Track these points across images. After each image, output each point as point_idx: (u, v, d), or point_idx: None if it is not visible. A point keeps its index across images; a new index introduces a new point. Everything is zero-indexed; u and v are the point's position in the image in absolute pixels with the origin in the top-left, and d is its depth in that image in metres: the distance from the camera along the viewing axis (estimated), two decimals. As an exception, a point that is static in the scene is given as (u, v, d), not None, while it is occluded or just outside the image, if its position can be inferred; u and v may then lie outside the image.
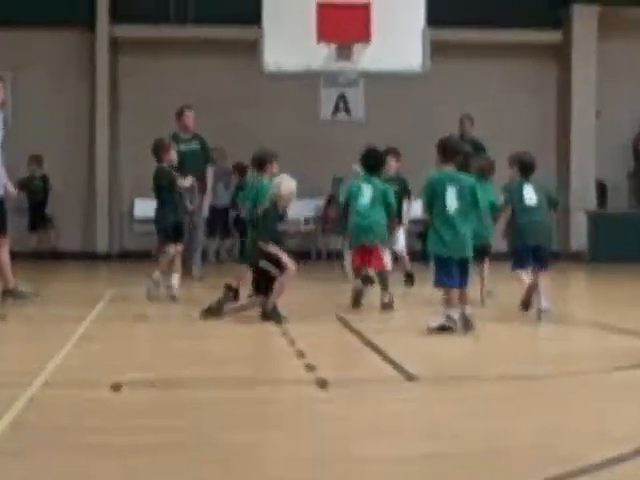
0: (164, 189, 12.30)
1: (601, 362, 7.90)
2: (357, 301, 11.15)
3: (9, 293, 11.66)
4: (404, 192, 13.44)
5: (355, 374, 7.42)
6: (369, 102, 19.19)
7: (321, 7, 15.49)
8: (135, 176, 17.73)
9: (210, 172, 15.25)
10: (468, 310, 9.20)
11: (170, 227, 12.24)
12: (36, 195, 17.34)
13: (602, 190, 19.44)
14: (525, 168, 10.54)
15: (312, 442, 5.30)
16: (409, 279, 13.84)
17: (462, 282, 9.22)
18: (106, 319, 10.45)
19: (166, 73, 19.00)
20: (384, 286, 11.19)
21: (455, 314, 9.09)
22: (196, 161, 14.95)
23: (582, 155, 19.34)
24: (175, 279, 12.08)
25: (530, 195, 10.45)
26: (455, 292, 9.16)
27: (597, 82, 19.22)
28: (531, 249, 10.31)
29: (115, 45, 19.20)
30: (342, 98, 19.33)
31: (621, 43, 19.12)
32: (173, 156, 12.58)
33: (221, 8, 18.35)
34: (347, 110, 19.42)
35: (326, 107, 19.38)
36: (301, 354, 8.06)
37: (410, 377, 7.07)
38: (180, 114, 15.50)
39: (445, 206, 9.25)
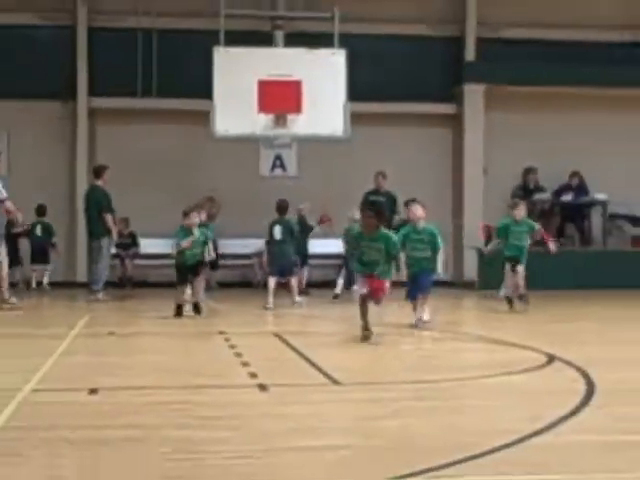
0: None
1: (487, 369, 7.92)
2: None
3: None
4: None
5: (290, 379, 7.34)
6: (301, 161, 19.28)
7: (261, 84, 16.15)
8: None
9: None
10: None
11: None
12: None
13: (488, 232, 18.49)
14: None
15: (254, 436, 5.26)
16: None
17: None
18: (84, 336, 10.33)
19: (134, 138, 18.82)
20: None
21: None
22: None
23: (472, 204, 19.45)
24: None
25: None
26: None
27: (484, 146, 19.43)
28: None
29: (93, 115, 19.04)
30: (278, 158, 19.40)
31: (503, 114, 19.36)
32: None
33: (179, 83, 18.37)
34: (283, 167, 19.48)
35: (265, 165, 19.44)
36: (246, 364, 8.02)
37: (336, 382, 7.08)
38: (104, 170, 15.56)
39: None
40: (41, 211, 17.89)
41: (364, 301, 9.36)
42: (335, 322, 12.66)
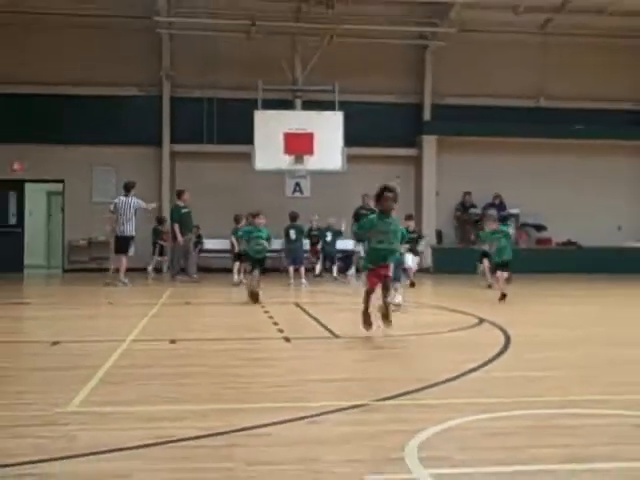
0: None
1: (437, 328, 7.90)
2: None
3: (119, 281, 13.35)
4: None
5: (306, 334, 7.32)
6: (313, 186, 19.09)
7: (286, 135, 16.23)
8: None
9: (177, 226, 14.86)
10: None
11: None
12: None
13: (439, 234, 19.46)
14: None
15: (283, 372, 5.26)
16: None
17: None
18: (167, 304, 10.32)
19: (201, 172, 18.70)
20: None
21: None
22: (191, 219, 15.21)
23: (429, 215, 19.37)
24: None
25: None
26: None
27: (436, 177, 19.36)
28: None
29: (173, 156, 18.92)
30: (298, 184, 19.23)
31: (449, 156, 19.23)
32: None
33: (231, 134, 18.12)
34: (300, 191, 19.31)
35: (289, 189, 19.24)
36: (275, 323, 8.03)
37: (336, 336, 7.06)
38: (183, 193, 15.26)
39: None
40: (161, 221, 17.30)
41: (369, 294, 6.93)
42: (335, 295, 12.59)
